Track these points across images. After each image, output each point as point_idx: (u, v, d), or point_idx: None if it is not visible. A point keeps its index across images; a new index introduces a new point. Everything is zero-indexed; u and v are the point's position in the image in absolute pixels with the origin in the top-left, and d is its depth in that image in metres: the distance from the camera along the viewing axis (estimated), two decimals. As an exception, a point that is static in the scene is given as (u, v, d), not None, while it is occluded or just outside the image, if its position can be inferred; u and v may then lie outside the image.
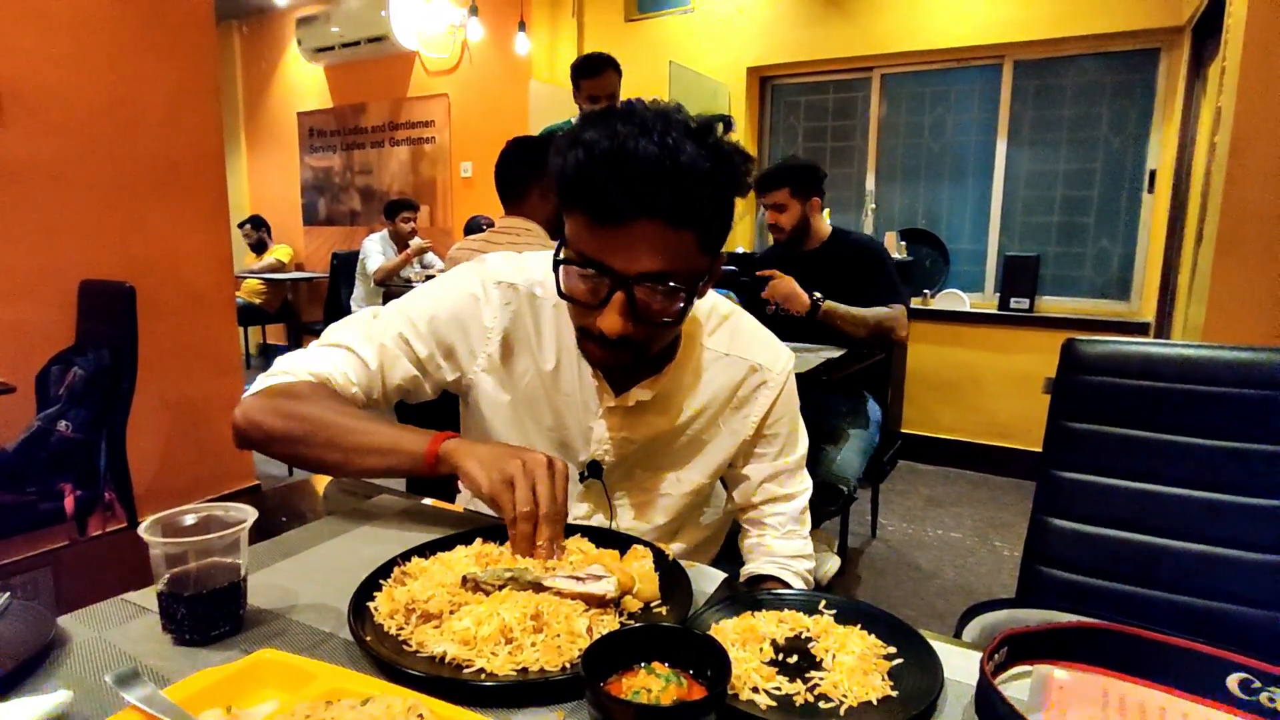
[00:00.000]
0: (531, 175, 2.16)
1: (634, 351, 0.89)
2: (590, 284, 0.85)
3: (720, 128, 0.83)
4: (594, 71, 2.90)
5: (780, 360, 1.07)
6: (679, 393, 1.02)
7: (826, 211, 3.53)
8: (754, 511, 1.10)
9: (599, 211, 0.80)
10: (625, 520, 1.06)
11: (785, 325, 2.67)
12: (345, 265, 5.39)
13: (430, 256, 5.20)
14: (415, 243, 4.92)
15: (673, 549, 0.97)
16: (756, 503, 1.09)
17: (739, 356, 1.04)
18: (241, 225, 6.00)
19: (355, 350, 0.97)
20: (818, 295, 2.43)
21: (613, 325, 0.83)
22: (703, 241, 0.84)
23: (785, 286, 2.46)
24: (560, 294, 0.88)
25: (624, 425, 1.00)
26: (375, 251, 5.00)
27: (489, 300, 1.00)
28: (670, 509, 1.07)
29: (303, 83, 6.19)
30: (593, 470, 1.03)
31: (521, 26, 4.83)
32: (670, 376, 1.00)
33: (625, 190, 0.78)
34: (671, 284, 0.83)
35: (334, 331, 1.00)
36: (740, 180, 0.86)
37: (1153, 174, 3.72)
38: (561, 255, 0.87)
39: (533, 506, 0.78)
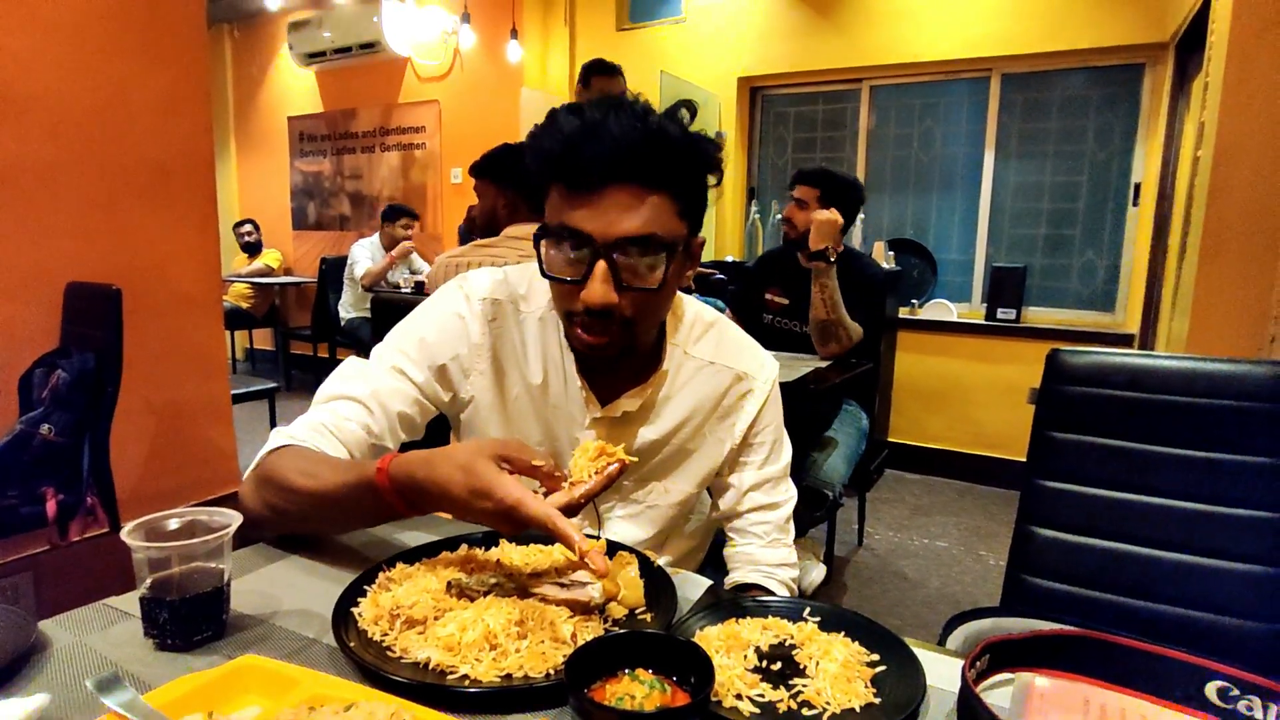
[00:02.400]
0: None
1: (622, 330, 0.88)
2: (571, 258, 0.86)
3: (685, 113, 0.86)
4: (611, 72, 3.05)
5: (765, 368, 1.07)
6: (665, 403, 1.02)
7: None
8: (739, 520, 1.09)
9: (575, 179, 0.83)
10: (616, 530, 1.06)
11: (780, 335, 2.67)
12: (334, 270, 5.38)
13: (418, 261, 5.21)
14: (401, 246, 4.95)
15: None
16: (741, 511, 1.09)
17: (724, 365, 1.05)
18: (241, 225, 6.00)
19: (351, 395, 0.94)
20: (832, 257, 2.39)
21: (597, 294, 0.83)
22: (678, 206, 0.86)
23: (826, 215, 2.43)
24: (542, 273, 0.88)
25: (611, 436, 1.00)
26: (364, 257, 5.01)
27: (475, 317, 1.00)
28: (659, 519, 1.07)
29: (293, 87, 6.18)
30: None
31: (513, 34, 4.85)
32: (656, 386, 1.00)
33: (599, 155, 0.81)
34: (651, 247, 0.84)
35: (327, 386, 0.97)
36: (710, 157, 0.88)
37: (1137, 187, 3.77)
38: (542, 233, 0.88)
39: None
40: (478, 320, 1.00)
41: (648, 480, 1.06)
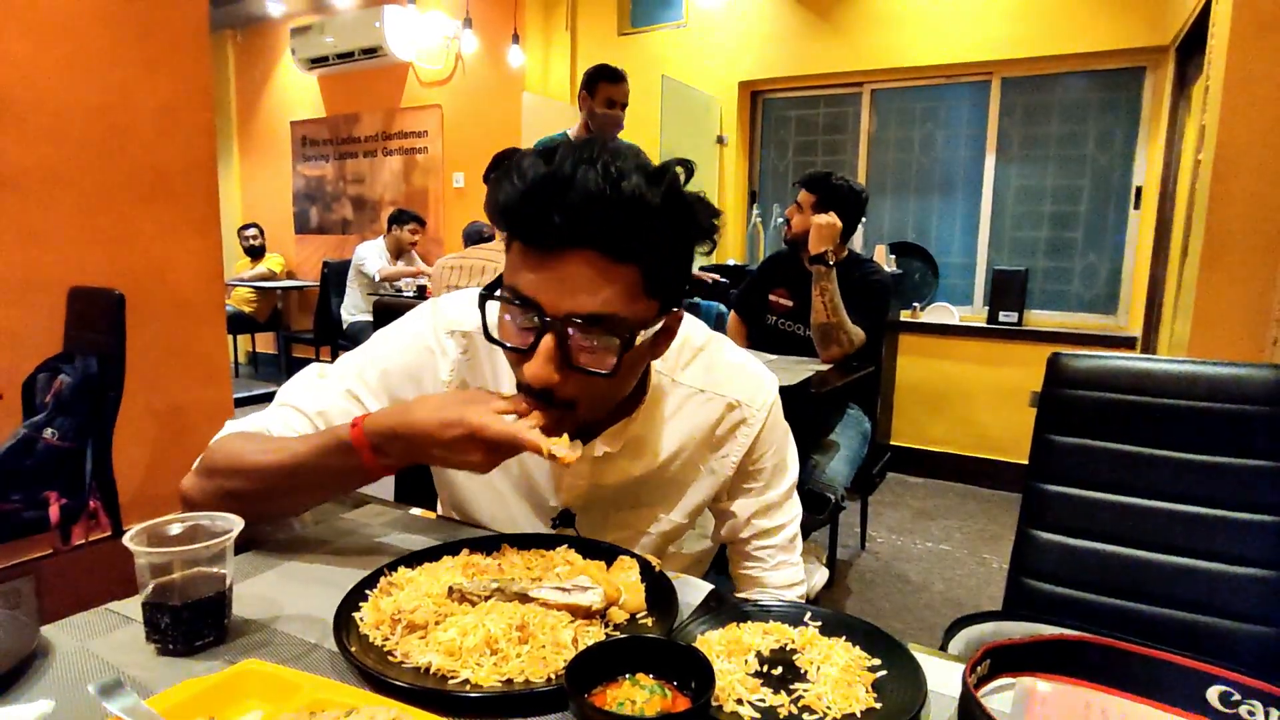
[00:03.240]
0: None
1: (562, 409, 0.78)
2: (519, 326, 0.78)
3: (681, 172, 0.76)
4: (616, 78, 3.03)
5: (761, 393, 0.99)
6: (652, 435, 0.96)
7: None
8: (743, 545, 1.06)
9: (533, 237, 0.73)
10: None
11: (784, 338, 2.67)
12: (336, 274, 5.40)
13: (420, 263, 5.24)
14: (420, 270, 5.05)
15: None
16: (745, 537, 1.05)
17: (715, 393, 0.97)
18: (245, 229, 6.03)
19: (299, 408, 0.91)
20: (831, 260, 2.42)
21: (536, 373, 0.74)
22: (647, 282, 0.76)
23: (825, 219, 2.47)
24: (486, 334, 0.80)
25: (593, 473, 0.95)
26: (373, 255, 5.05)
27: (444, 352, 0.95)
28: (648, 546, 1.04)
29: (296, 92, 6.20)
30: (564, 519, 0.99)
31: (515, 39, 4.86)
32: (640, 421, 0.94)
33: (561, 215, 0.70)
34: (606, 328, 0.74)
35: (282, 393, 0.95)
36: (699, 226, 0.78)
37: (1139, 190, 3.77)
38: (488, 292, 0.79)
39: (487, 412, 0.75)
40: (448, 355, 0.95)
41: (636, 509, 1.02)
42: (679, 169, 0.76)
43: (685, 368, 0.97)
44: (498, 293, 0.78)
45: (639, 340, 0.77)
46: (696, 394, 0.97)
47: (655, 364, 0.94)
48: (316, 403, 0.92)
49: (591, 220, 0.71)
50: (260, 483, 0.84)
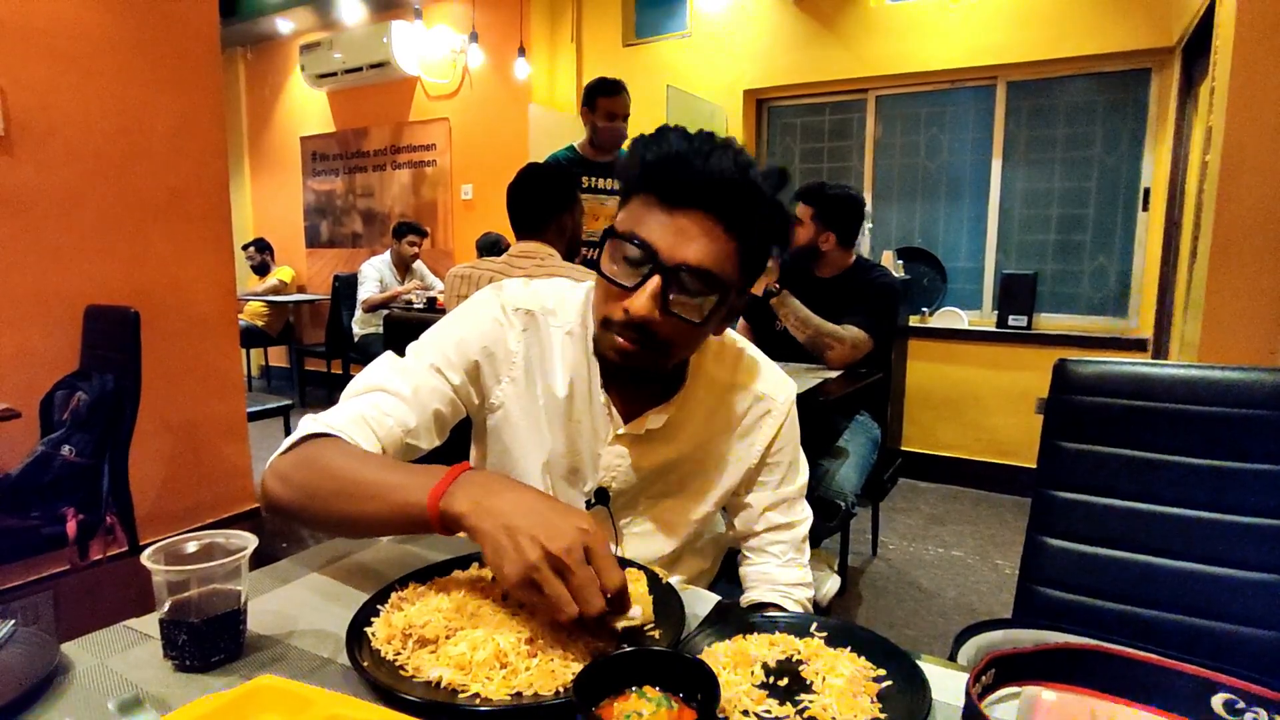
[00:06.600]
0: (549, 206, 2.17)
1: (649, 347, 0.89)
2: (631, 265, 0.88)
3: (777, 180, 0.88)
4: (614, 90, 3.06)
5: (784, 389, 1.09)
6: (687, 421, 1.04)
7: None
8: (755, 540, 1.11)
9: (662, 192, 0.86)
10: (631, 547, 1.07)
11: (791, 345, 2.67)
12: (347, 287, 5.43)
13: (430, 277, 5.26)
14: (415, 285, 5.05)
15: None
16: (758, 530, 1.10)
17: (744, 385, 1.07)
18: (245, 247, 6.06)
19: (388, 388, 0.94)
20: (775, 289, 2.45)
21: (641, 306, 0.85)
22: (740, 256, 0.88)
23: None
24: (599, 271, 0.91)
25: (632, 452, 1.02)
26: (371, 278, 5.07)
27: (511, 325, 1.02)
28: (676, 536, 1.08)
29: (306, 107, 6.26)
30: (600, 497, 1.04)
31: (521, 52, 4.90)
32: (679, 405, 1.02)
33: (699, 179, 0.84)
34: (707, 281, 0.86)
35: (361, 378, 0.96)
36: (787, 229, 0.91)
37: (1147, 192, 3.75)
38: (610, 232, 0.90)
39: (573, 610, 0.65)
40: (513, 329, 1.02)
41: (666, 497, 1.07)
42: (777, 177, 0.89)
43: (718, 362, 1.07)
44: (618, 232, 0.89)
45: (729, 300, 0.90)
46: (728, 386, 1.07)
47: (692, 357, 1.02)
48: (408, 382, 0.96)
49: (716, 188, 0.84)
50: (334, 491, 0.82)
